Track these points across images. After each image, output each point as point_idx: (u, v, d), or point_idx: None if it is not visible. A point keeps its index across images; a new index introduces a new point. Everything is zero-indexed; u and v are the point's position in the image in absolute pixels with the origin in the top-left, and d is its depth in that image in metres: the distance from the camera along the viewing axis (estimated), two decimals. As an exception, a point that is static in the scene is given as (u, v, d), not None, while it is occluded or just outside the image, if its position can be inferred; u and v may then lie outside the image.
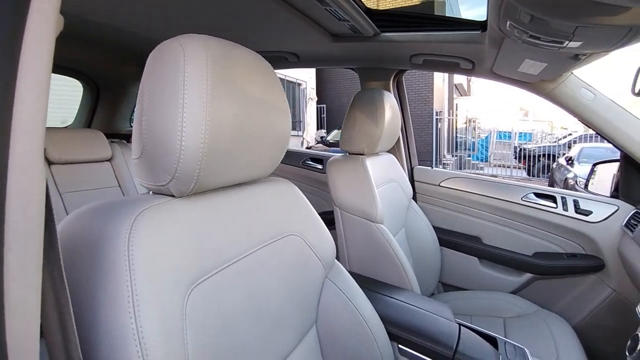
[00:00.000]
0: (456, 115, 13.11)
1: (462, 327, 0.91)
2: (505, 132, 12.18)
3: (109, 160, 1.78)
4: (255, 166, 0.64)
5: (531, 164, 10.01)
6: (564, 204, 1.50)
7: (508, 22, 0.81)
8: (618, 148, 1.35)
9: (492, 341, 0.93)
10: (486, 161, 12.60)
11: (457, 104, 15.16)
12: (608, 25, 0.67)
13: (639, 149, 1.28)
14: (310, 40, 1.41)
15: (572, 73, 1.30)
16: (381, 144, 1.33)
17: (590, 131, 10.61)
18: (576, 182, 6.00)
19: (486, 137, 13.01)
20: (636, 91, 0.86)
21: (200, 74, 0.50)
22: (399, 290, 1.05)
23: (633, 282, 1.31)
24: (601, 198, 1.47)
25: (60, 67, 1.95)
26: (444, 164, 10.71)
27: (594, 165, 1.72)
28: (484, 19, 1.18)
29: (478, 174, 10.65)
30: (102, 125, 2.16)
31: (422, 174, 1.79)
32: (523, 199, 1.57)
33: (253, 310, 0.59)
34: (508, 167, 10.94)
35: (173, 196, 0.54)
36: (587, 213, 1.45)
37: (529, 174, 10.04)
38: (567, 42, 0.78)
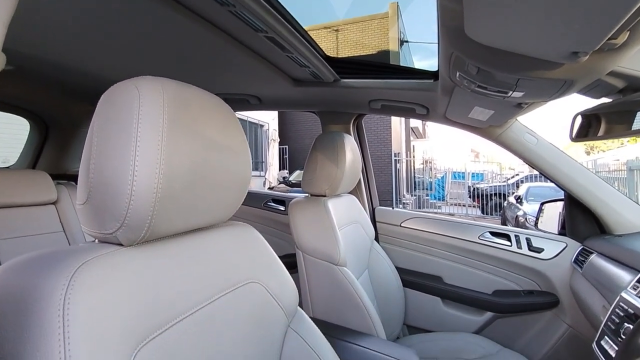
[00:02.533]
0: (413, 156, 13.70)
1: None
2: (459, 172, 12.83)
3: (54, 203, 1.66)
4: (213, 211, 0.61)
5: (484, 202, 10.52)
6: (518, 241, 1.56)
7: (458, 73, 0.87)
8: (561, 188, 1.44)
9: None
10: (443, 200, 13.10)
11: (414, 146, 15.90)
12: (545, 78, 0.73)
13: (579, 189, 1.38)
14: (272, 84, 1.44)
15: (516, 120, 1.40)
16: (342, 186, 1.34)
17: (535, 171, 11.44)
18: (526, 219, 6.34)
19: (442, 177, 13.62)
20: (573, 136, 0.94)
21: (155, 115, 0.48)
22: (364, 336, 1.02)
23: (586, 317, 1.35)
24: (551, 236, 1.55)
25: (5, 104, 1.84)
26: (404, 203, 11.01)
27: (542, 204, 1.82)
28: (436, 69, 1.27)
29: (436, 212, 11.01)
30: (50, 165, 2.03)
31: (383, 215, 1.81)
32: (480, 237, 1.62)
33: None
34: (463, 205, 11.43)
35: (121, 245, 0.50)
36: (539, 250, 1.51)
37: (482, 212, 10.52)
38: (511, 92, 0.85)
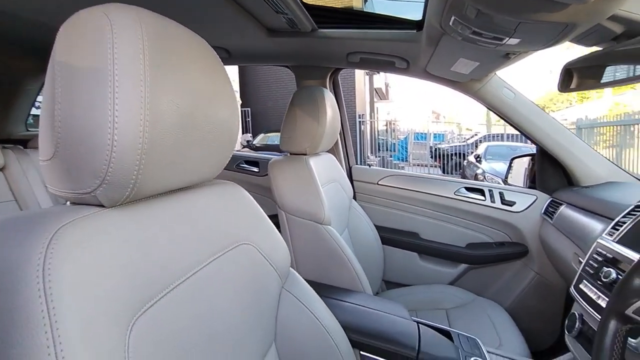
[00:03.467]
0: (377, 118, 13.74)
1: (420, 325, 0.90)
2: (421, 133, 13.11)
3: (1, 170, 1.48)
4: (202, 167, 0.54)
5: (445, 162, 10.90)
6: (492, 196, 1.60)
7: (453, 18, 0.82)
8: (535, 143, 1.48)
9: (447, 335, 0.94)
10: (406, 161, 13.42)
11: (377, 108, 15.94)
12: (547, 21, 0.70)
13: (552, 142, 1.41)
14: (244, 34, 1.32)
15: (495, 74, 1.39)
16: (323, 143, 1.29)
17: (493, 131, 11.91)
18: (484, 177, 6.65)
19: (405, 139, 13.87)
20: (560, 88, 0.93)
21: (134, 51, 0.39)
22: (354, 293, 1.01)
23: (554, 264, 1.44)
24: (522, 189, 1.60)
25: None
26: (368, 164, 11.16)
27: (512, 160, 1.88)
28: (419, 18, 1.21)
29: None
30: (-10, 129, 1.81)
31: (360, 173, 1.79)
32: (456, 193, 1.65)
33: (207, 334, 0.50)
34: (425, 165, 11.78)
35: (102, 206, 0.43)
36: (512, 204, 1.57)
37: (443, 172, 10.92)
38: (507, 38, 0.81)
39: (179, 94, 0.45)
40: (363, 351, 0.83)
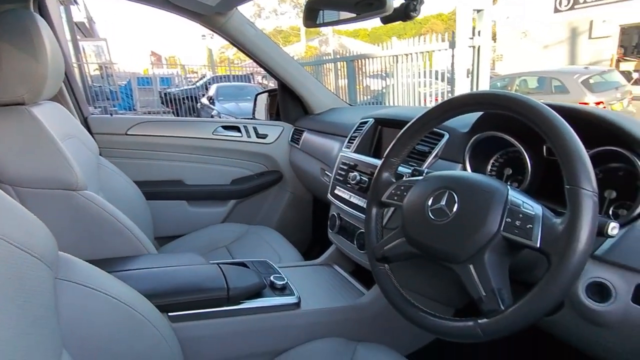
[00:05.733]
0: (86, 60, 11.38)
1: (219, 265, 0.90)
2: (144, 77, 11.95)
3: None
4: None
5: (178, 107, 10.52)
6: (247, 131, 1.70)
7: None
8: (276, 78, 1.63)
9: (243, 266, 0.99)
10: (133, 110, 12.08)
11: (83, 47, 13.13)
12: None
13: (290, 77, 1.60)
14: None
15: (237, 9, 1.40)
16: (47, 89, 0.96)
17: (220, 73, 12.28)
18: (220, 117, 6.94)
19: (127, 85, 12.29)
20: (304, 22, 1.03)
21: None
22: (141, 258, 0.89)
23: (302, 182, 1.72)
24: (271, 122, 1.78)
25: None
26: (110, 113, 9.35)
27: (256, 96, 2.02)
28: None
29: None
30: None
31: (101, 124, 1.48)
32: (214, 133, 1.64)
33: None
34: (158, 112, 11.00)
35: None
36: (265, 136, 1.72)
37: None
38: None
39: None
40: (172, 312, 0.76)
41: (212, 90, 8.34)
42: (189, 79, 14.37)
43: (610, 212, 0.65)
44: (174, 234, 1.61)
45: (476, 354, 1.09)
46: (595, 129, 0.63)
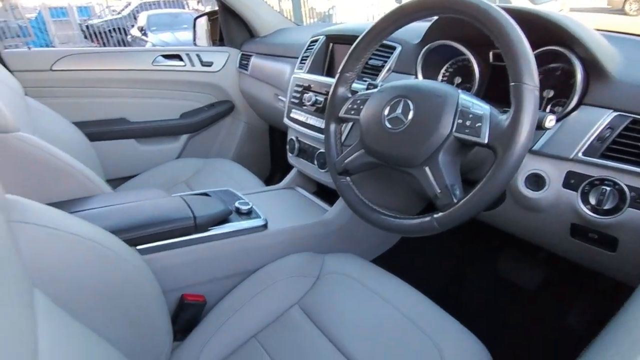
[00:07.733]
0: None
1: (182, 197, 0.89)
2: (58, 8, 10.38)
3: None
4: None
5: (105, 41, 9.42)
6: (190, 59, 1.58)
7: None
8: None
9: (207, 196, 0.99)
10: (52, 46, 10.65)
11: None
12: None
13: (231, -3, 1.47)
14: None
15: None
16: None
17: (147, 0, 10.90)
18: (156, 51, 6.33)
19: (37, 18, 10.65)
20: None
21: None
22: (99, 197, 0.86)
23: (255, 110, 1.68)
24: (216, 48, 1.66)
25: None
26: (28, 46, 8.16)
27: (195, 20, 1.85)
28: None
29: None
30: None
31: (20, 60, 1.31)
32: (154, 64, 1.51)
33: None
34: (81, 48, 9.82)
35: None
36: (210, 64, 1.61)
37: (107, 53, 9.54)
38: None
39: None
40: (140, 245, 0.77)
41: (141, 20, 7.47)
42: (111, 8, 12.69)
43: (548, 110, 0.71)
44: (128, 175, 1.54)
45: (429, 249, 1.21)
46: (540, 29, 0.66)
